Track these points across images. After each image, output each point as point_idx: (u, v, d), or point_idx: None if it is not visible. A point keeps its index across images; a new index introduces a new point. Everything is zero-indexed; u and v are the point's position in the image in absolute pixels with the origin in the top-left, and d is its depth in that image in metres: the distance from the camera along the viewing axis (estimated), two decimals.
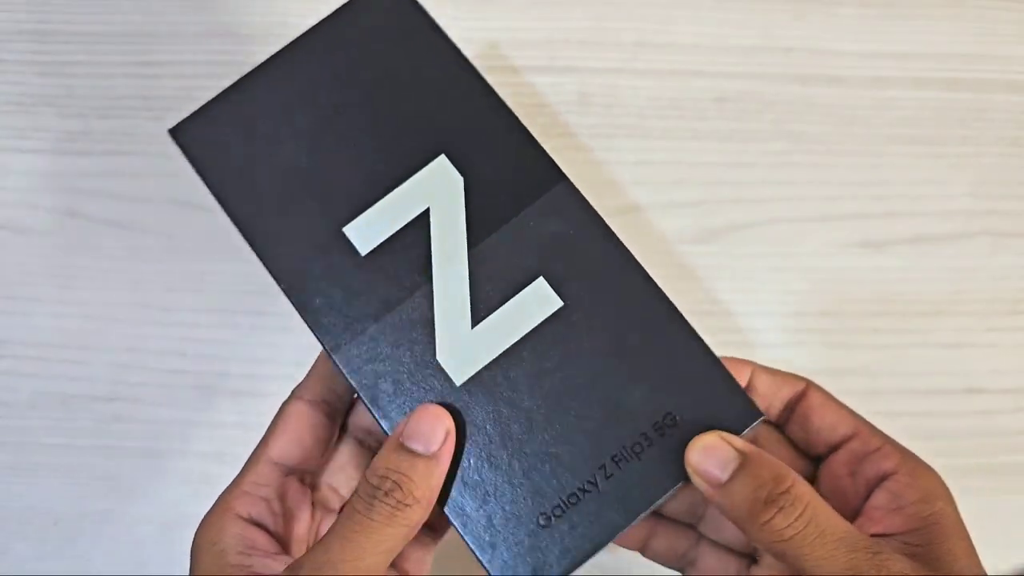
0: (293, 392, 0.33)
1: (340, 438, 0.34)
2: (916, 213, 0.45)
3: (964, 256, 0.45)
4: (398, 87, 0.33)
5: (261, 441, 0.32)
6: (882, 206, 0.45)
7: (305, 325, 0.31)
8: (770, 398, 0.33)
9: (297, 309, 0.31)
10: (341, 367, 0.31)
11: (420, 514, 0.29)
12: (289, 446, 0.32)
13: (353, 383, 0.31)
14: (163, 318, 0.44)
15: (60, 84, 0.46)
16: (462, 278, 0.31)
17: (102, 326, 0.44)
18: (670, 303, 0.31)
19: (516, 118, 0.32)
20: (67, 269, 0.44)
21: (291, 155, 0.32)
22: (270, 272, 0.32)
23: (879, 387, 0.44)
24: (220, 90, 0.33)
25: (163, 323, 0.44)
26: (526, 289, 0.31)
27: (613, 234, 0.31)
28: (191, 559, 0.30)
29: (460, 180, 0.32)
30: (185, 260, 0.44)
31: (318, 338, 0.31)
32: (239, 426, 0.43)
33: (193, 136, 0.33)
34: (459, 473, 0.30)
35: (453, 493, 0.30)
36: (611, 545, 0.30)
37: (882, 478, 0.31)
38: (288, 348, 0.43)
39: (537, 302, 0.31)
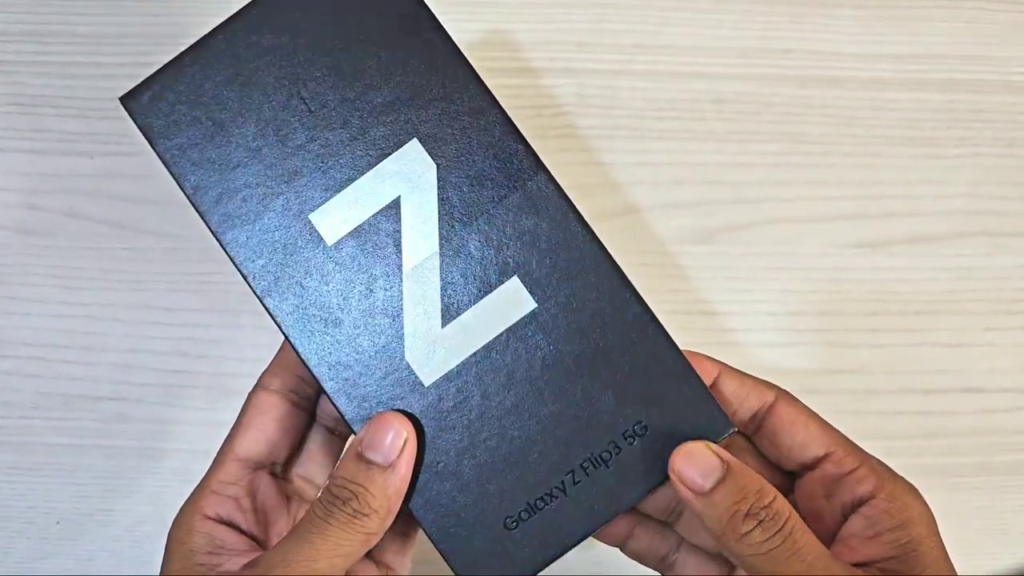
0: (259, 381, 0.32)
1: (310, 426, 0.34)
2: (914, 213, 0.45)
3: (962, 256, 0.45)
4: (372, 62, 0.30)
5: (228, 436, 0.32)
6: (880, 206, 0.45)
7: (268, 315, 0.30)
8: (734, 406, 0.32)
9: (258, 298, 0.30)
10: (305, 361, 0.30)
11: (378, 523, 0.28)
12: (255, 441, 0.31)
13: (317, 378, 0.30)
14: (165, 318, 0.44)
15: (60, 85, 0.46)
16: (433, 274, 0.30)
17: (104, 326, 0.44)
18: (646, 307, 0.30)
19: (497, 103, 0.30)
20: (69, 270, 0.44)
21: (253, 133, 0.30)
22: (231, 259, 0.30)
23: (877, 386, 0.44)
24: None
25: (165, 323, 0.44)
26: (499, 289, 0.30)
27: (591, 232, 0.30)
28: (163, 559, 0.30)
29: (434, 167, 0.30)
30: (187, 261, 0.44)
31: (281, 330, 0.30)
32: None
33: (146, 106, 0.30)
34: (425, 474, 0.29)
35: (419, 493, 0.29)
36: (594, 542, 0.30)
37: (858, 503, 0.30)
38: None
39: (510, 303, 0.30)
